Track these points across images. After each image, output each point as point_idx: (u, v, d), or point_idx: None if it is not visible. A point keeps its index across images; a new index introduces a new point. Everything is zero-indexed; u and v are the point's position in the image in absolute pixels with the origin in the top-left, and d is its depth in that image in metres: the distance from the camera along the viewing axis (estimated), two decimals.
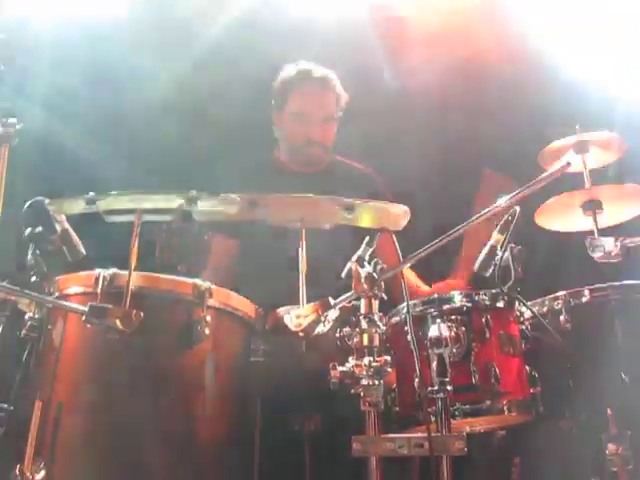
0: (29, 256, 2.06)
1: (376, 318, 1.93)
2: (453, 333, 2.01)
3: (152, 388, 1.95)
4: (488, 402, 2.01)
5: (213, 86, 3.59)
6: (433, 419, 1.88)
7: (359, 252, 2.03)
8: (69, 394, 1.93)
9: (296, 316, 1.92)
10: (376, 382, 1.88)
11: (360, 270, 1.94)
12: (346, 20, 3.63)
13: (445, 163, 3.70)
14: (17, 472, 1.78)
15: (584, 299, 2.21)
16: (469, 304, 2.10)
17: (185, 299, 2.02)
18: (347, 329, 2.05)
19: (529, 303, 2.19)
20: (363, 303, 1.96)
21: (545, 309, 2.25)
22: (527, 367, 2.11)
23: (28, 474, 1.79)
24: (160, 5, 3.64)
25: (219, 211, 1.97)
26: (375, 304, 1.96)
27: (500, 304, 2.13)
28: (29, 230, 2.06)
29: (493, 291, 2.12)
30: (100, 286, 1.95)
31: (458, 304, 2.10)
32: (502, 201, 1.98)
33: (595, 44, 3.39)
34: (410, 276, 2.88)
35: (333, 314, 1.96)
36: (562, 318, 2.20)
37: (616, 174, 2.54)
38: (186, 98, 3.65)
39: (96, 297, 1.92)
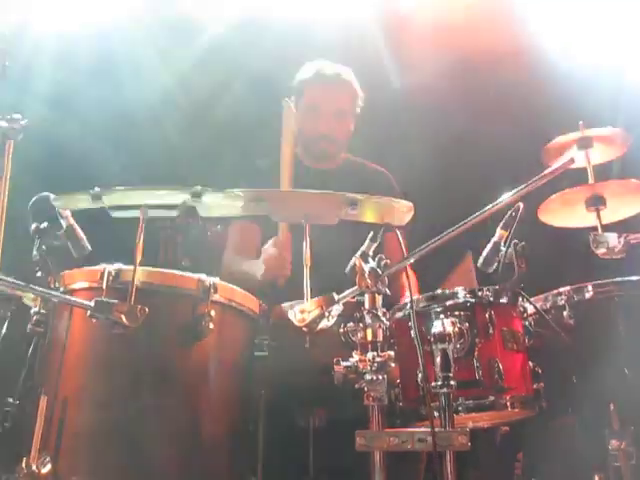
0: (34, 251, 2.07)
1: (380, 313, 1.94)
2: (457, 329, 2.01)
3: (156, 383, 1.96)
4: (491, 398, 2.00)
5: (218, 82, 3.59)
6: (436, 414, 1.89)
7: (363, 247, 2.04)
8: (74, 389, 1.94)
9: (300, 311, 1.92)
10: (380, 377, 1.89)
11: (364, 265, 1.94)
12: (348, 18, 3.63)
13: (447, 160, 3.70)
14: (23, 466, 1.79)
15: (587, 295, 2.20)
16: (472, 300, 2.09)
17: (190, 294, 2.03)
18: (351, 324, 2.06)
19: (532, 299, 2.20)
20: (367, 298, 1.97)
21: (548, 305, 2.25)
22: (530, 363, 2.11)
23: (34, 468, 1.80)
24: (163, 1, 3.65)
25: (224, 206, 1.97)
26: (379, 299, 1.97)
27: (504, 300, 2.12)
28: (35, 225, 2.07)
29: (497, 287, 2.12)
30: (105, 281, 1.95)
31: (462, 300, 2.09)
32: (506, 197, 1.97)
33: (599, 39, 3.39)
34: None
35: (337, 309, 1.97)
36: (565, 314, 2.20)
37: (620, 170, 2.54)
38: (191, 95, 3.66)
39: (101, 292, 1.93)
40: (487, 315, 2.07)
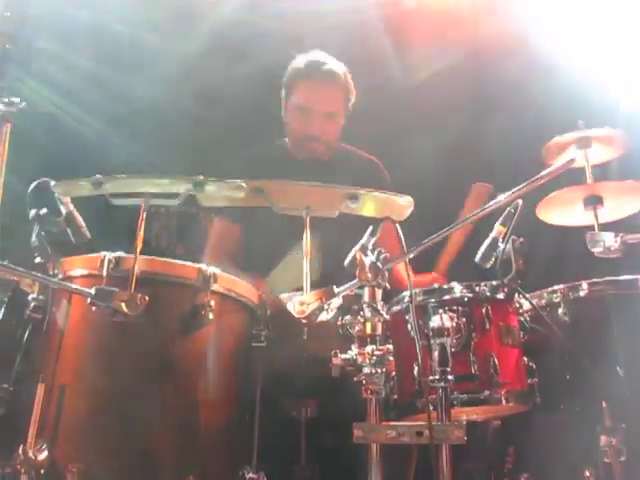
0: (33, 237, 2.06)
1: (379, 307, 1.95)
2: (454, 323, 2.02)
3: (155, 371, 1.96)
4: (487, 392, 2.02)
5: (220, 71, 3.57)
6: (432, 408, 1.90)
7: (362, 241, 2.04)
8: (72, 376, 1.93)
9: (299, 303, 1.93)
10: (378, 370, 1.90)
11: (364, 259, 1.95)
12: (349, 11, 3.62)
13: (447, 157, 3.71)
14: (20, 452, 1.79)
15: (582, 293, 2.23)
16: (470, 295, 2.11)
17: (190, 284, 2.02)
18: (348, 317, 2.07)
19: (528, 295, 2.22)
20: (366, 291, 1.98)
21: (544, 302, 2.28)
22: (525, 358, 2.13)
23: (31, 454, 1.80)
24: None
25: (225, 196, 1.97)
26: (378, 293, 1.98)
27: (500, 295, 2.14)
28: (34, 211, 2.05)
29: (494, 282, 2.14)
30: (105, 269, 1.94)
31: (459, 294, 2.10)
32: (505, 195, 1.98)
33: (598, 40, 3.40)
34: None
35: (336, 302, 1.97)
36: (560, 311, 2.22)
37: (618, 170, 2.56)
38: (194, 83, 3.63)
39: (101, 280, 1.92)
40: (484, 310, 2.09)
